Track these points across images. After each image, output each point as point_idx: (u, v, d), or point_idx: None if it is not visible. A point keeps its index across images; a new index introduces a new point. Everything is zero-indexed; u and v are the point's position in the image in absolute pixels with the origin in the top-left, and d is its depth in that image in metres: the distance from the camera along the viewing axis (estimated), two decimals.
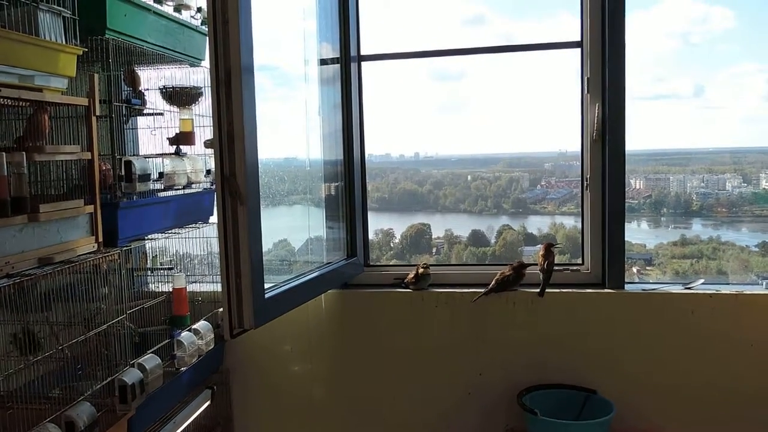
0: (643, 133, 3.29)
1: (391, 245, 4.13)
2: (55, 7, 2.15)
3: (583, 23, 2.96)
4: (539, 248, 3.08)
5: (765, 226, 3.80)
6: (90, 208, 2.33)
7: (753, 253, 3.72)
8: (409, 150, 4.21)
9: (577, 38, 2.99)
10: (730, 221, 3.88)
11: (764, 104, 3.64)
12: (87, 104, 2.31)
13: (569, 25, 3.05)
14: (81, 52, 2.26)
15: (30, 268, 2.05)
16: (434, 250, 4.12)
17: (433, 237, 4.16)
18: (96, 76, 2.36)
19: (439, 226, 4.17)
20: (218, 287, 2.37)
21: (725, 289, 2.88)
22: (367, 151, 3.29)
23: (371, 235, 3.49)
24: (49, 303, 2.17)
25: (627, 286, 2.95)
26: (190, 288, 3.01)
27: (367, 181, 3.28)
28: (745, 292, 2.83)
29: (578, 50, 2.99)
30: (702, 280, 3.00)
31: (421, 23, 3.64)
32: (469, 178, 4.24)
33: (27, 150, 2.07)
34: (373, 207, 3.72)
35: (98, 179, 2.36)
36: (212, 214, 3.08)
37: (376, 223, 3.98)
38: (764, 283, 2.94)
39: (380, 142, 3.66)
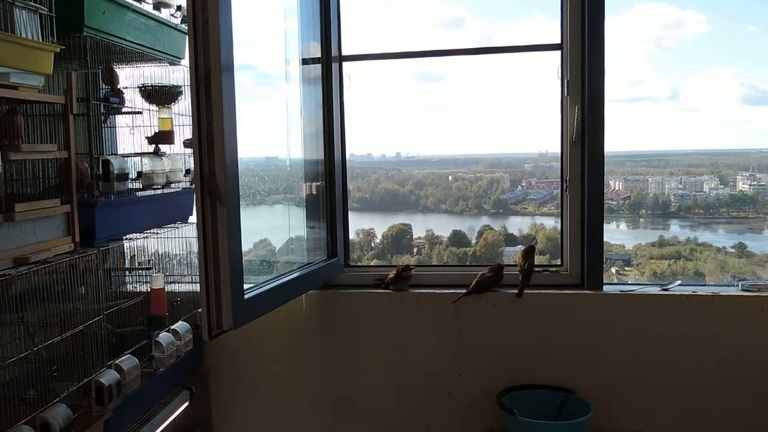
0: (622, 134, 3.33)
1: (373, 245, 4.14)
2: (32, 4, 2.13)
3: (563, 26, 2.98)
4: (519, 248, 3.10)
5: (741, 228, 3.85)
6: (66, 208, 2.30)
7: (729, 254, 3.77)
8: (390, 150, 4.23)
9: (557, 41, 3.01)
10: (707, 223, 3.94)
11: (739, 107, 3.69)
12: (64, 102, 2.29)
13: (545, 27, 3.08)
14: (58, 50, 2.23)
15: (5, 268, 2.02)
16: (415, 250, 4.13)
17: (414, 237, 4.18)
18: (73, 74, 2.33)
19: (420, 227, 4.19)
20: (197, 287, 2.37)
21: (702, 291, 2.92)
22: (349, 151, 3.28)
23: (353, 235, 3.49)
24: (25, 303, 2.14)
25: (605, 288, 2.97)
26: (169, 288, 2.99)
27: (348, 180, 3.27)
28: (721, 294, 2.87)
29: (558, 53, 3.01)
30: (679, 282, 3.03)
31: (401, 25, 3.66)
32: (450, 178, 4.26)
33: (2, 148, 2.04)
34: (354, 207, 3.72)
35: (75, 178, 2.33)
36: (192, 214, 3.05)
37: (358, 223, 3.99)
38: (740, 284, 2.97)
39: (362, 142, 3.67)
